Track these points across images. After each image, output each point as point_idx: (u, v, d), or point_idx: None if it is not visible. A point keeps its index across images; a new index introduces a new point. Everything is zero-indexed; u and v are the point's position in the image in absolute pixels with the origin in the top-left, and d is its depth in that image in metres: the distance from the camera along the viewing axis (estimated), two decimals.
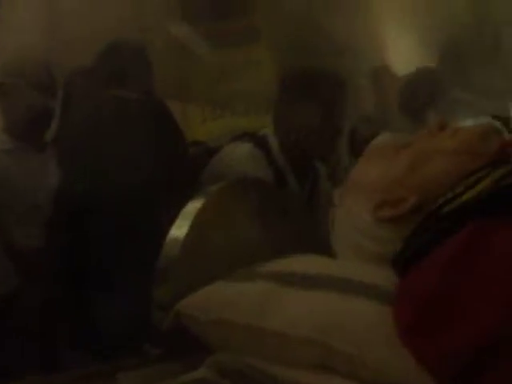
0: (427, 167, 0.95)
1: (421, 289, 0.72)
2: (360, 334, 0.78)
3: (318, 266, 0.93)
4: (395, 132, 2.49)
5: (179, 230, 1.10)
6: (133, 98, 2.05)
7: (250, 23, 3.59)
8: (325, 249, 1.18)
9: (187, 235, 1.08)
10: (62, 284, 2.15)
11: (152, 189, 1.77)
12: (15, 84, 2.29)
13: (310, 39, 3.27)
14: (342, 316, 0.81)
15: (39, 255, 2.24)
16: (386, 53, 3.34)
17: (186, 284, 1.03)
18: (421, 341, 0.69)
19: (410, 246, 0.86)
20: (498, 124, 1.11)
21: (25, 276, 2.24)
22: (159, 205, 1.68)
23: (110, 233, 1.92)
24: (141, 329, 1.01)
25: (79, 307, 2.06)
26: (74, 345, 2.17)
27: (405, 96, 2.69)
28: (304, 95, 1.99)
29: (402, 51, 3.16)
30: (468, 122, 1.40)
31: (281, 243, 1.21)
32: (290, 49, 3.37)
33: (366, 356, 0.75)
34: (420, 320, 0.70)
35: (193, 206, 1.14)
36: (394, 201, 0.96)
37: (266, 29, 3.61)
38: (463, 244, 0.73)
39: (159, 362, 1.03)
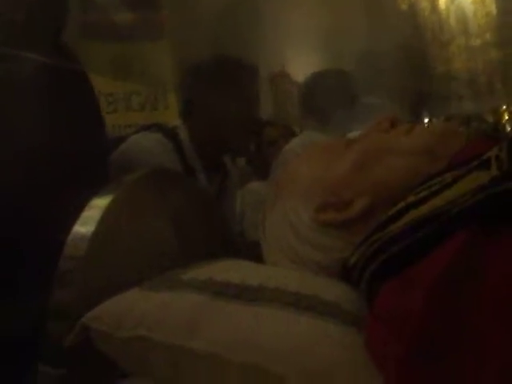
0: (378, 166, 0.84)
1: (410, 313, 0.60)
2: (321, 362, 0.65)
3: (257, 276, 0.79)
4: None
5: (85, 226, 0.93)
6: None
7: (156, 17, 3.47)
8: (236, 250, 1.06)
9: (94, 232, 0.92)
10: None
11: (55, 174, 1.54)
12: None
13: (215, 40, 3.19)
14: (297, 339, 0.67)
15: None
16: (285, 59, 3.32)
17: (91, 289, 0.88)
18: (417, 377, 0.57)
19: (369, 257, 0.74)
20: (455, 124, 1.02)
21: None
22: (64, 195, 1.47)
23: None
24: (35, 343, 0.84)
25: None
26: None
27: (305, 97, 2.64)
28: (217, 86, 1.86)
29: (302, 58, 3.13)
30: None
31: (193, 242, 1.08)
32: (193, 48, 3.28)
33: None
34: (416, 356, 0.58)
35: (101, 200, 0.97)
36: (338, 203, 0.84)
37: (171, 25, 3.50)
38: (455, 257, 0.61)
39: None
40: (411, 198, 0.76)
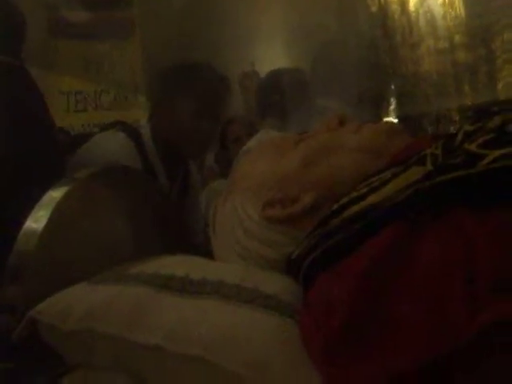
0: (325, 163, 0.86)
1: (334, 303, 0.62)
2: (256, 352, 0.66)
3: (202, 270, 0.80)
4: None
5: (36, 221, 0.94)
6: None
7: (125, 16, 3.46)
8: (195, 249, 1.07)
9: (45, 228, 0.93)
10: None
11: (7, 170, 1.54)
12: None
13: (185, 40, 3.20)
14: (235, 330, 0.69)
15: None
16: (254, 58, 3.32)
17: (42, 284, 0.89)
18: (337, 367, 0.59)
19: (308, 250, 0.75)
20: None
21: None
22: (16, 191, 1.46)
23: None
24: None
25: None
26: None
27: (259, 95, 2.65)
28: (179, 89, 1.86)
29: (271, 57, 3.14)
30: None
31: (148, 239, 1.09)
32: (163, 47, 3.27)
33: (264, 378, 0.64)
34: (337, 344, 0.59)
35: (53, 195, 0.98)
36: (285, 199, 0.85)
37: (142, 24, 3.50)
38: (382, 250, 0.63)
39: (7, 378, 0.86)
40: (353, 194, 0.77)
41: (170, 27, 3.16)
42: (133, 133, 1.85)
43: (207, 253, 0.96)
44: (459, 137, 0.75)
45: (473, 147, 0.69)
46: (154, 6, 3.30)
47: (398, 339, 0.57)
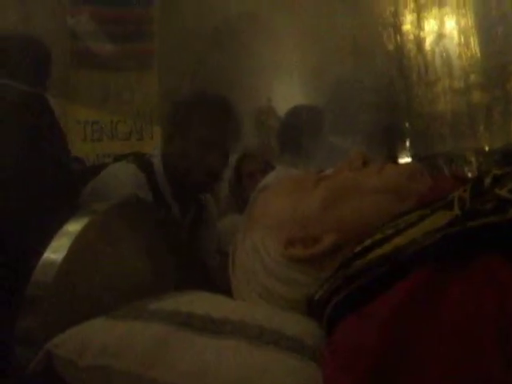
0: (346, 204, 0.85)
1: (362, 348, 0.60)
2: None
3: (223, 308, 0.79)
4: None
5: (55, 252, 0.93)
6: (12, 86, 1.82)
7: (146, 48, 3.51)
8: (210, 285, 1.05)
9: (65, 259, 0.92)
10: None
11: (24, 199, 1.54)
12: None
13: (202, 73, 3.22)
14: (256, 372, 0.68)
15: None
16: (271, 94, 3.35)
17: (59, 316, 0.88)
18: None
19: (332, 292, 0.74)
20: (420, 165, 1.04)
21: None
22: (33, 220, 1.46)
23: None
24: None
25: None
26: None
27: (282, 132, 2.67)
28: (189, 120, 1.87)
29: (288, 93, 3.16)
30: None
31: (166, 273, 1.07)
32: (180, 79, 3.31)
33: None
34: None
35: (72, 226, 0.97)
36: (307, 239, 0.84)
37: (161, 56, 3.54)
38: (410, 295, 0.62)
39: None
40: (377, 236, 0.76)
41: (188, 61, 3.19)
42: (144, 164, 1.85)
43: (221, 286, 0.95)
44: (488, 180, 0.74)
45: (504, 192, 0.68)
46: (174, 40, 3.33)
47: None
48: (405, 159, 2.88)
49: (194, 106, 1.92)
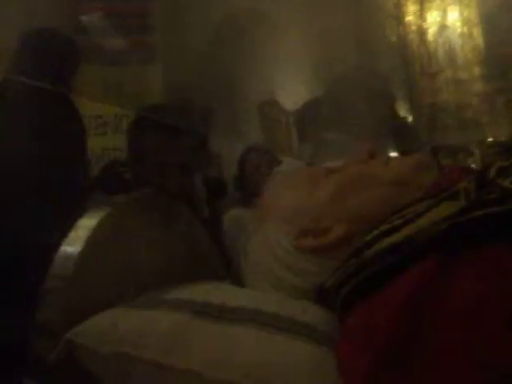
0: (356, 196, 0.87)
1: (376, 330, 0.63)
2: (294, 380, 0.68)
3: (238, 297, 0.82)
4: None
5: (72, 245, 0.96)
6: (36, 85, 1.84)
7: (150, 42, 3.52)
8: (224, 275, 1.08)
9: (83, 251, 0.94)
10: None
11: (43, 192, 1.55)
12: None
13: (204, 68, 3.23)
14: (271, 357, 0.70)
15: None
16: (274, 88, 3.36)
17: (78, 308, 0.90)
18: None
19: (345, 279, 0.77)
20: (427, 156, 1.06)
21: None
22: (50, 212, 1.48)
23: None
24: (20, 359, 0.86)
25: None
26: None
27: (300, 124, 2.69)
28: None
29: (291, 87, 3.17)
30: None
31: (181, 263, 1.10)
32: (184, 74, 3.32)
33: None
34: (380, 370, 0.61)
35: (89, 220, 1.00)
36: (318, 230, 0.87)
37: (164, 51, 3.55)
38: (420, 283, 0.65)
39: None
40: (386, 226, 0.79)
41: (192, 55, 3.20)
42: None
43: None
44: (492, 172, 0.77)
45: (507, 183, 0.70)
46: (178, 34, 3.34)
47: (440, 367, 0.58)
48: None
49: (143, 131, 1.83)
